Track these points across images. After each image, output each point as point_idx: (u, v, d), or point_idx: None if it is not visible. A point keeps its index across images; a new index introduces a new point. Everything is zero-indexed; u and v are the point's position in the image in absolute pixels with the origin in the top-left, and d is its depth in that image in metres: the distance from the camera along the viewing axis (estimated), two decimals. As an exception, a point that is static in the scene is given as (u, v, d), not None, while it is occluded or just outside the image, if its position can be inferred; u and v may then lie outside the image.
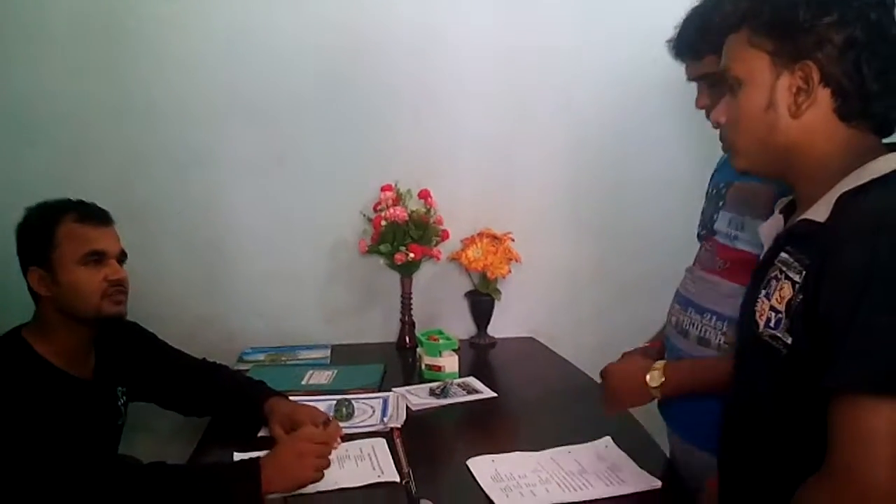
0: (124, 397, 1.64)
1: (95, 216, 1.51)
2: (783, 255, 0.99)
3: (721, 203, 1.46)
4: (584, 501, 1.28)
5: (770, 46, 0.98)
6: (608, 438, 1.51)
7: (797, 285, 0.92)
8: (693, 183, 1.68)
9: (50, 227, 1.45)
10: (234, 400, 1.67)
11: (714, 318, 1.41)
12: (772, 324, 0.96)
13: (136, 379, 1.66)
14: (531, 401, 1.86)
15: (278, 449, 1.38)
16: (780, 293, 0.95)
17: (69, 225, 1.46)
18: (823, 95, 0.97)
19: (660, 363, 1.40)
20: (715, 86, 1.35)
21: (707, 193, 1.58)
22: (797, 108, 0.98)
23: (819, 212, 0.94)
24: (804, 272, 0.92)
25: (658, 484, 1.30)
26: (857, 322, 0.83)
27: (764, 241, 1.12)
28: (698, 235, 1.56)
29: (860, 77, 0.94)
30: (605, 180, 2.43)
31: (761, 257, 1.09)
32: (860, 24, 0.93)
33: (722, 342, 1.39)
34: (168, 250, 2.24)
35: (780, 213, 1.12)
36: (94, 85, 2.14)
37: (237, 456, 1.47)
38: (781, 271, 0.97)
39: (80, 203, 1.52)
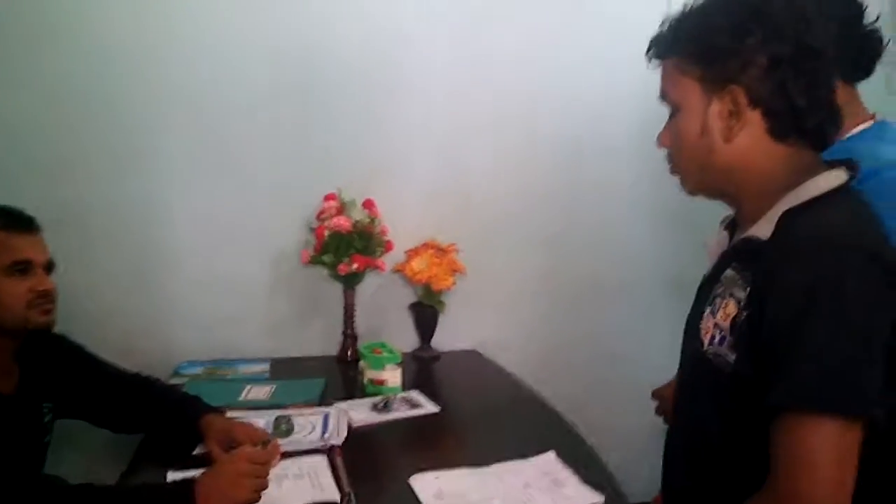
0: (51, 414, 1.55)
1: (21, 223, 1.43)
2: (729, 271, 0.99)
3: None
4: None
5: (698, 73, 1.00)
6: (552, 453, 1.50)
7: (741, 302, 0.92)
8: (641, 195, 1.69)
9: None
10: (168, 416, 1.60)
11: None
12: (716, 341, 0.96)
13: (63, 394, 1.57)
14: (475, 415, 1.84)
15: (215, 469, 1.33)
16: (725, 310, 0.95)
17: None
18: (754, 117, 0.98)
19: None
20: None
21: None
22: (729, 132, 0.99)
23: (762, 229, 0.95)
24: (748, 289, 0.92)
25: (601, 499, 1.30)
26: (798, 341, 0.83)
27: (709, 257, 1.13)
28: None
29: (787, 95, 0.96)
30: (556, 190, 2.43)
31: (706, 273, 1.10)
32: (784, 42, 0.95)
33: None
34: (100, 254, 2.15)
35: (725, 229, 1.13)
36: (22, 73, 2.04)
37: (171, 476, 1.42)
38: (726, 288, 0.97)
39: (4, 209, 1.44)
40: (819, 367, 0.83)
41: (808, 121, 0.98)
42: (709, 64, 0.98)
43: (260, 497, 1.30)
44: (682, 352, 1.20)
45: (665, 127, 1.10)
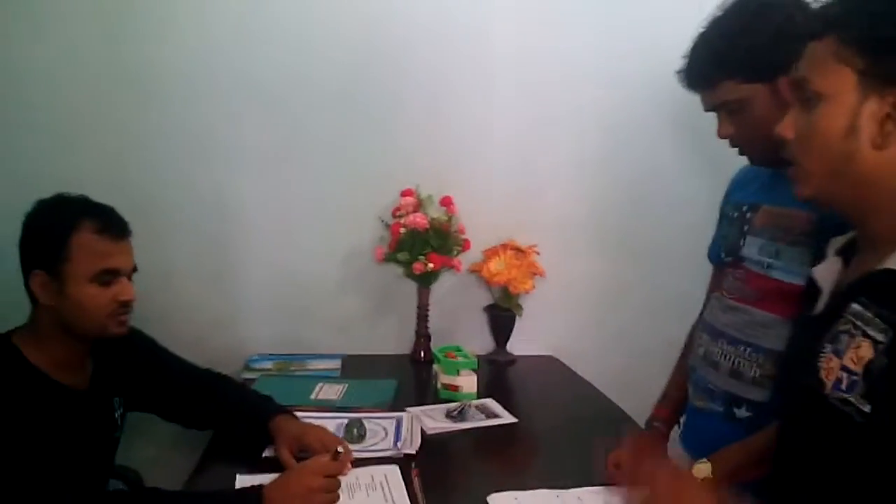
0: (122, 408, 1.54)
1: (115, 229, 1.38)
2: (856, 307, 0.87)
3: (747, 227, 1.38)
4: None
5: (860, 64, 0.86)
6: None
7: (881, 345, 0.80)
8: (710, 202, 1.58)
9: (64, 233, 1.32)
10: (239, 416, 1.57)
11: (749, 349, 1.33)
12: (843, 386, 0.84)
13: (134, 390, 1.56)
14: (555, 428, 1.74)
15: (285, 479, 1.28)
16: (857, 352, 0.83)
17: (86, 235, 1.33)
18: None
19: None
20: (735, 113, 1.28)
21: (725, 214, 1.49)
22: (882, 139, 0.86)
23: None
24: (892, 332, 0.80)
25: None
26: None
27: (822, 286, 1.00)
28: (718, 258, 1.47)
29: None
30: (635, 195, 2.31)
31: (821, 306, 0.97)
32: None
33: (757, 374, 1.32)
34: (172, 247, 2.13)
35: (837, 254, 1.01)
36: (94, 64, 2.03)
37: (240, 479, 1.38)
38: (857, 326, 0.85)
39: (100, 210, 1.39)
40: None
41: None
42: (877, 56, 0.84)
43: None
44: (785, 389, 1.08)
45: (790, 115, 0.96)
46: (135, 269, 1.43)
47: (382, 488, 1.37)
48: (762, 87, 1.23)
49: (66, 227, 1.32)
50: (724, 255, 1.43)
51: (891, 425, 0.79)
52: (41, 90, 2.01)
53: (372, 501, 1.32)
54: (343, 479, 1.33)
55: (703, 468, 1.20)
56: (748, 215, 1.38)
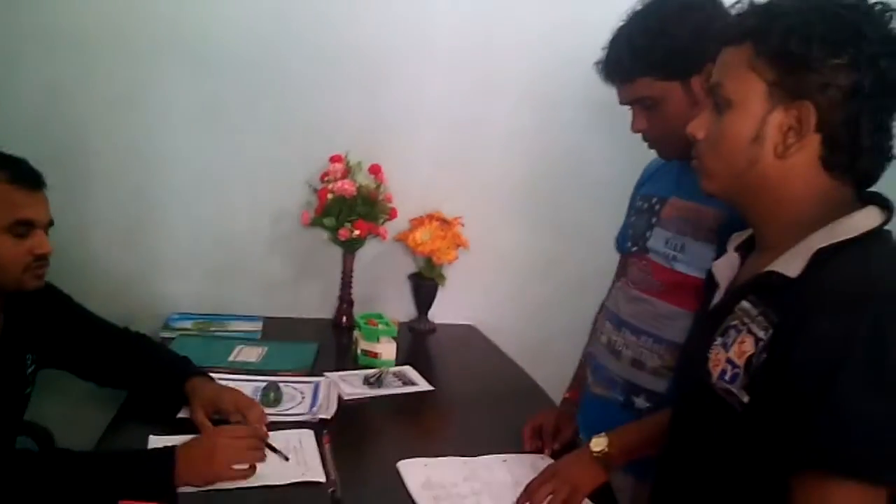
0: (34, 365, 1.51)
1: (28, 179, 1.34)
2: (745, 304, 0.93)
3: (654, 219, 1.41)
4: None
5: (771, 76, 0.90)
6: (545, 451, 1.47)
7: (761, 342, 0.87)
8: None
9: None
10: (154, 376, 1.56)
11: (650, 340, 1.37)
12: (727, 377, 0.90)
13: (47, 346, 1.53)
14: (468, 397, 1.80)
15: (198, 441, 1.29)
16: (741, 346, 0.89)
17: None
18: (813, 141, 0.90)
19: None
20: (649, 108, 1.31)
21: (634, 205, 1.53)
22: (784, 149, 0.91)
23: (790, 265, 0.89)
24: (771, 330, 0.86)
25: (597, 505, 1.26)
26: (833, 397, 0.78)
27: (719, 281, 1.06)
28: (624, 248, 1.52)
29: (856, 130, 0.87)
30: (563, 172, 2.36)
31: (716, 300, 1.04)
32: (869, 72, 0.85)
33: (658, 365, 1.36)
34: (90, 198, 2.08)
35: (736, 250, 1.07)
36: (15, 13, 1.95)
37: (153, 439, 1.38)
38: (743, 323, 0.91)
39: (13, 160, 1.35)
40: (850, 428, 0.78)
41: (864, 161, 0.90)
42: (787, 70, 0.88)
43: (240, 475, 1.26)
44: (678, 378, 1.15)
45: (702, 116, 1.00)
46: (51, 223, 1.40)
47: (296, 452, 1.39)
48: (677, 85, 1.27)
49: None
50: (630, 245, 1.47)
51: (765, 415, 0.85)
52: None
53: (284, 465, 1.34)
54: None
55: (600, 441, 1.26)
56: (657, 207, 1.41)
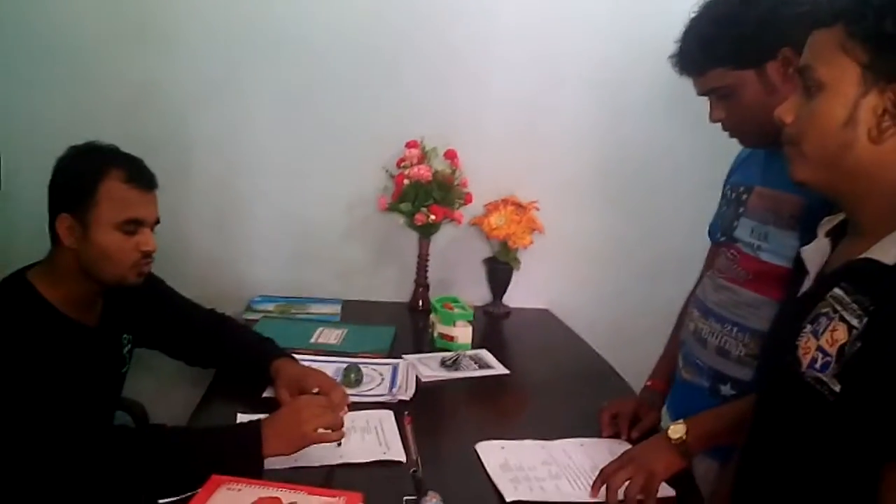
0: (130, 345, 1.60)
1: (144, 179, 1.42)
2: (837, 291, 0.90)
3: (742, 209, 1.40)
4: (595, 503, 1.24)
5: (865, 58, 0.87)
6: (623, 436, 1.46)
7: (855, 330, 0.84)
8: (722, 173, 1.59)
9: (94, 179, 1.36)
10: (241, 357, 1.63)
11: (735, 328, 1.37)
12: (817, 365, 0.88)
13: (142, 327, 1.62)
14: (545, 381, 1.81)
15: (280, 411, 1.35)
16: (833, 334, 0.87)
17: (115, 183, 1.37)
18: None
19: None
20: (725, 98, 1.29)
21: (724, 195, 1.51)
22: (879, 133, 0.87)
23: (888, 252, 0.86)
24: (866, 318, 0.84)
25: (672, 492, 1.25)
26: None
27: (808, 267, 1.04)
28: (715, 238, 1.51)
29: None
30: (638, 157, 2.34)
31: (806, 286, 1.01)
32: None
33: (743, 354, 1.35)
34: (179, 187, 2.16)
35: (826, 236, 1.04)
36: (105, 10, 2.05)
37: (241, 417, 1.45)
38: (835, 310, 0.89)
39: (131, 160, 1.43)
40: None
41: None
42: (882, 51, 0.86)
43: (327, 438, 1.30)
44: (765, 365, 1.12)
45: (791, 100, 0.97)
46: (157, 222, 1.47)
47: (377, 432, 1.43)
48: (751, 73, 1.24)
49: (97, 174, 1.36)
50: (719, 234, 1.46)
51: (858, 406, 0.83)
52: (54, 35, 2.04)
53: (366, 444, 1.38)
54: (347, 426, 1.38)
55: (677, 429, 1.25)
56: (744, 197, 1.40)
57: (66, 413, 1.26)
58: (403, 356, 1.83)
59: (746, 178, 1.42)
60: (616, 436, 1.46)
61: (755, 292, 1.33)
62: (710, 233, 1.56)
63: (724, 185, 1.52)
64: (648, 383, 1.62)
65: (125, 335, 1.57)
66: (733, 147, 1.50)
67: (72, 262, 1.38)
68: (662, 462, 1.23)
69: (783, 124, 0.99)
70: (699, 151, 2.27)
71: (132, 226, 1.39)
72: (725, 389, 1.37)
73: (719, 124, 1.35)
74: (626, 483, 1.21)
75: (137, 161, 1.43)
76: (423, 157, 2.16)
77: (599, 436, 1.46)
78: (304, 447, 1.30)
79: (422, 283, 2.27)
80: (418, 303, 2.26)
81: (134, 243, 1.39)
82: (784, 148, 1.00)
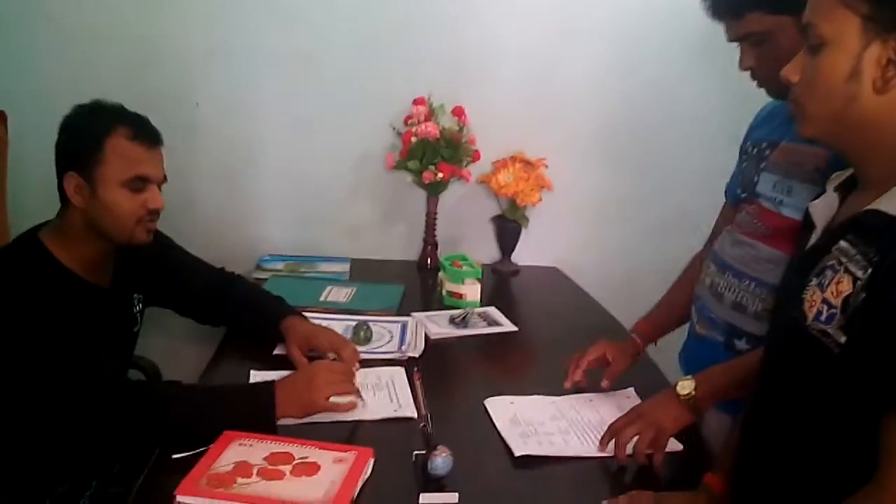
0: (140, 304, 1.60)
1: (148, 136, 1.40)
2: (843, 243, 0.90)
3: (763, 164, 1.39)
4: (602, 457, 1.25)
5: (865, 9, 0.86)
6: (631, 390, 1.47)
7: (859, 281, 0.84)
8: (734, 128, 1.57)
9: (100, 137, 1.34)
10: (251, 315, 1.64)
11: (753, 284, 1.36)
12: (822, 317, 0.88)
13: (153, 287, 1.62)
14: (553, 337, 1.82)
15: (294, 375, 1.36)
16: (837, 286, 0.87)
17: (121, 141, 1.36)
18: None
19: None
20: (759, 45, 1.27)
21: (744, 151, 1.49)
22: (884, 84, 0.86)
23: (893, 203, 0.85)
24: (870, 269, 0.83)
25: (680, 447, 1.27)
26: None
27: (816, 221, 1.03)
28: (734, 195, 1.49)
29: None
30: (648, 114, 2.31)
31: (813, 241, 1.01)
32: None
33: (759, 309, 1.34)
34: (186, 148, 2.16)
35: (835, 191, 1.03)
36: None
37: (254, 374, 1.47)
38: (840, 262, 0.88)
39: (137, 118, 1.41)
40: None
41: None
42: (882, 2, 0.85)
43: (337, 407, 1.33)
44: (773, 319, 1.12)
45: (797, 59, 0.96)
46: (164, 180, 1.46)
47: (388, 389, 1.45)
48: (789, 19, 1.21)
49: (103, 132, 1.35)
50: (740, 191, 1.45)
51: (863, 356, 0.83)
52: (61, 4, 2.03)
53: (378, 401, 1.40)
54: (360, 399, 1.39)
55: (686, 384, 1.26)
56: (766, 152, 1.39)
57: (81, 370, 1.27)
58: (412, 314, 1.84)
59: (769, 134, 1.41)
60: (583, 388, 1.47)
61: (774, 248, 1.32)
62: (727, 191, 1.55)
63: (744, 143, 1.50)
64: (636, 323, 1.61)
65: (136, 294, 1.58)
66: (746, 102, 1.49)
67: (81, 221, 1.38)
68: (671, 417, 1.24)
69: (790, 83, 0.98)
70: (711, 107, 2.25)
71: (139, 183, 1.38)
72: (740, 344, 1.38)
73: (732, 74, 1.33)
74: (635, 438, 1.22)
75: (143, 118, 1.42)
76: (431, 114, 2.14)
77: (607, 381, 1.47)
78: (315, 414, 1.32)
79: (430, 242, 2.27)
80: (427, 261, 2.26)
81: (141, 201, 1.39)
82: (791, 106, 1.00)
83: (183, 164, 2.13)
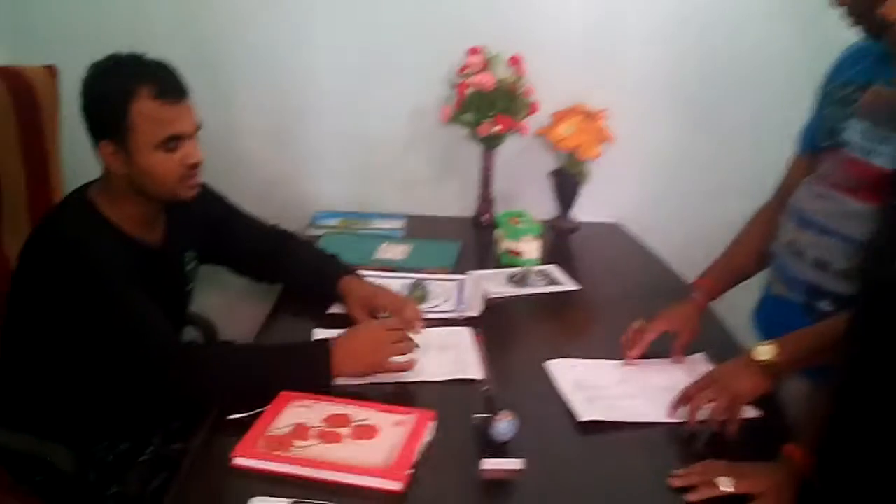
0: (193, 263, 1.59)
1: (173, 91, 1.33)
2: None
3: (851, 109, 1.27)
4: (672, 424, 1.19)
5: None
6: (702, 354, 1.40)
7: None
8: (813, 78, 1.46)
9: (124, 102, 1.28)
10: (307, 274, 1.62)
11: (837, 239, 1.26)
12: None
13: (205, 245, 1.60)
14: (617, 297, 1.74)
15: (356, 334, 1.33)
16: None
17: (146, 103, 1.29)
18: None
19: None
20: None
21: (827, 95, 1.37)
22: None
23: None
24: None
25: (757, 414, 1.20)
26: None
27: None
28: (814, 144, 1.39)
29: None
30: (716, 64, 2.17)
31: None
32: None
33: (846, 267, 1.24)
34: (239, 100, 2.14)
35: None
36: None
37: (317, 333, 1.45)
38: None
39: (158, 72, 1.33)
40: None
41: None
42: None
43: (396, 368, 1.30)
44: (864, 278, 1.03)
45: None
46: (198, 128, 1.40)
47: (452, 350, 1.41)
48: None
49: (126, 96, 1.28)
50: (820, 139, 1.34)
51: None
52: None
53: (441, 362, 1.36)
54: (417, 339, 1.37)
55: (765, 350, 1.18)
56: (854, 96, 1.27)
57: (133, 329, 1.27)
58: (469, 272, 1.79)
59: (858, 75, 1.29)
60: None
61: (863, 201, 1.22)
62: (803, 140, 1.44)
63: (826, 85, 1.38)
64: (696, 280, 1.53)
65: (188, 252, 1.56)
66: (827, 48, 1.37)
67: (125, 183, 1.35)
68: (748, 384, 1.17)
69: (890, 21, 0.90)
70: (787, 54, 2.11)
71: (173, 142, 1.32)
72: (823, 305, 1.29)
73: (822, 22, 1.23)
74: (709, 405, 1.16)
75: (165, 70, 1.34)
76: (487, 65, 2.05)
77: (675, 356, 1.40)
78: (373, 374, 1.30)
79: (486, 197, 2.20)
80: (483, 218, 2.20)
81: (178, 159, 1.33)
82: (893, 47, 0.90)
83: (233, 120, 2.12)
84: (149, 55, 1.35)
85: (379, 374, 1.30)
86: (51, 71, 1.74)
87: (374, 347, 1.30)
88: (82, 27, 2.03)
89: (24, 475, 1.37)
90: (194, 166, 1.36)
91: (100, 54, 1.34)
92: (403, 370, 1.30)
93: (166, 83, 1.32)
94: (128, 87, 1.28)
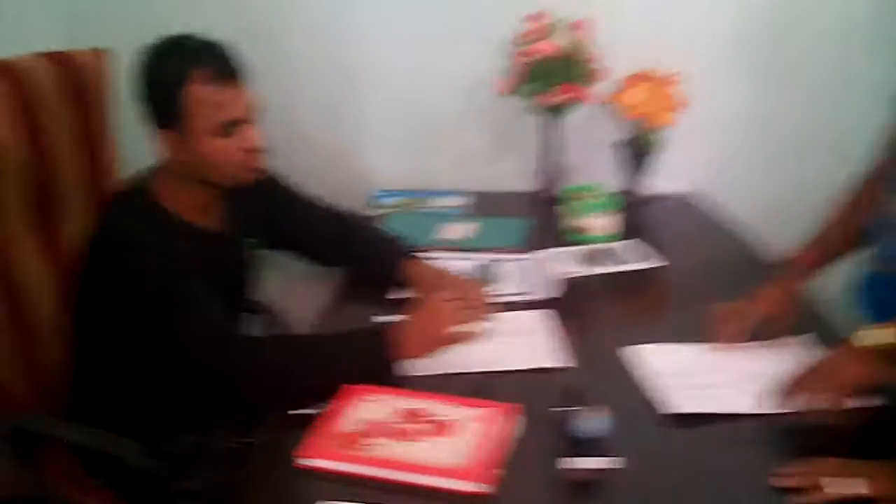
0: (254, 249, 1.54)
1: (229, 73, 1.25)
2: None
3: None
4: (775, 416, 1.09)
5: None
6: (805, 337, 1.28)
7: None
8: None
9: (177, 88, 1.22)
10: (373, 260, 1.57)
11: None
12: None
13: (265, 229, 1.55)
14: (699, 275, 1.62)
15: (415, 311, 1.29)
16: None
17: (200, 88, 1.22)
18: None
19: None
20: None
21: None
22: None
23: None
24: None
25: (875, 402, 1.08)
26: None
27: None
28: None
29: None
30: (789, 18, 2.03)
31: None
32: None
33: None
34: (294, 76, 2.09)
35: None
36: None
37: (377, 320, 1.39)
38: None
39: (211, 52, 1.25)
40: None
41: None
42: None
43: (463, 338, 1.27)
44: None
45: None
46: (260, 109, 1.33)
47: (528, 336, 1.33)
48: None
49: (179, 81, 1.22)
50: None
51: None
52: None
53: (517, 349, 1.29)
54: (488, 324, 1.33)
55: (875, 334, 1.06)
56: None
57: (189, 320, 1.23)
58: (536, 251, 1.70)
59: None
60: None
61: None
62: None
63: None
64: (799, 254, 1.40)
65: (248, 238, 1.51)
66: None
67: (182, 170, 1.30)
68: (852, 372, 1.06)
69: None
70: (862, 14, 1.94)
71: (230, 127, 1.26)
72: None
73: None
74: (811, 396, 1.05)
75: (218, 50, 1.26)
76: (548, 31, 1.94)
77: (772, 340, 1.28)
78: (438, 349, 1.25)
79: (550, 171, 2.10)
80: (547, 192, 2.10)
81: (237, 143, 1.27)
82: None
83: (288, 95, 2.06)
84: (201, 34, 1.28)
85: (453, 367, 1.23)
86: (100, 54, 1.69)
87: (436, 319, 1.27)
88: (132, 10, 1.99)
89: (98, 470, 1.36)
90: (253, 149, 1.29)
91: (150, 37, 1.28)
92: (468, 340, 1.27)
93: (220, 64, 1.25)
94: (181, 71, 1.22)
